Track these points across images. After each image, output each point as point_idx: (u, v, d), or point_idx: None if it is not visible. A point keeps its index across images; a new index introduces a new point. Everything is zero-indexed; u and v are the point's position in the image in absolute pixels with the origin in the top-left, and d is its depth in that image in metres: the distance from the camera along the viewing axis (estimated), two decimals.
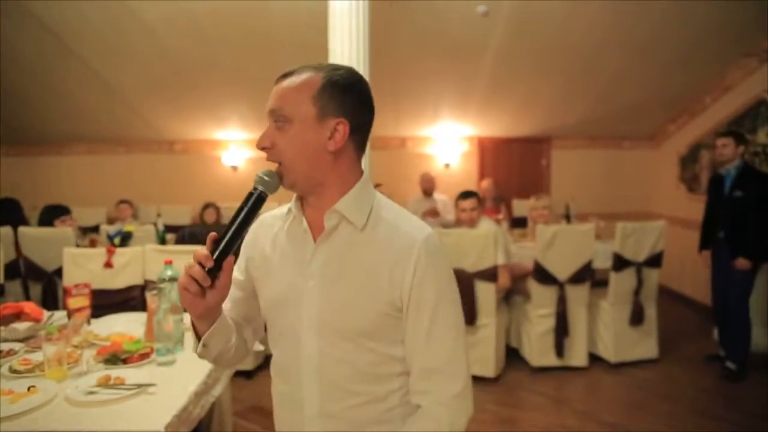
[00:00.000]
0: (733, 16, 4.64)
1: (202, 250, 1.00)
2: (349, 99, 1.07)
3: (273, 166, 1.08)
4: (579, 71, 5.71)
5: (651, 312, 4.32)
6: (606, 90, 6.03)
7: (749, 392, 3.76)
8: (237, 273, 1.22)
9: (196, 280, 0.99)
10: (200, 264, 0.99)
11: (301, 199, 1.14)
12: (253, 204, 1.05)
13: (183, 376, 1.86)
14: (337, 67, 1.10)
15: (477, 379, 3.94)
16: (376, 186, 4.90)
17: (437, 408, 1.08)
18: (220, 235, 1.01)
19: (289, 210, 1.16)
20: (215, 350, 1.15)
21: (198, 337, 1.14)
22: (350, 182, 1.11)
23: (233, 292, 1.21)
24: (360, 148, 1.12)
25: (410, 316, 1.07)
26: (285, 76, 1.08)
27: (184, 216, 6.85)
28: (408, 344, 1.09)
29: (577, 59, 5.47)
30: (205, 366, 1.95)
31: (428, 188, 6.25)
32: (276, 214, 1.23)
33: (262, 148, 1.08)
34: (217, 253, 1.00)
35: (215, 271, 1.00)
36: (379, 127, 5.02)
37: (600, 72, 5.70)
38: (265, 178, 1.05)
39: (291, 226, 1.16)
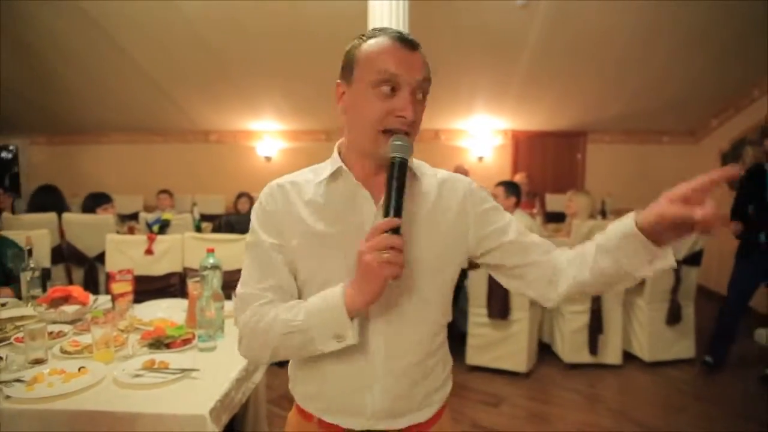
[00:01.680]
0: None
1: (392, 237, 0.94)
2: None
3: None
4: (618, 65, 5.59)
5: (688, 311, 4.22)
6: (645, 84, 5.89)
7: None
8: (276, 239, 1.10)
9: (400, 264, 0.94)
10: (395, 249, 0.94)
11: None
12: (400, 171, 1.01)
13: (224, 362, 1.90)
14: None
15: (508, 374, 3.93)
16: None
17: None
18: (391, 213, 0.98)
19: (333, 174, 1.11)
20: None
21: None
22: None
23: (277, 256, 1.09)
24: None
25: (493, 231, 1.16)
26: (415, 45, 1.06)
27: (218, 205, 6.97)
28: (511, 248, 1.15)
29: (616, 52, 5.35)
30: None
31: None
32: (296, 180, 1.15)
33: (410, 122, 1.03)
34: (394, 214, 0.98)
35: (398, 229, 0.97)
36: None
37: (640, 66, 5.57)
38: (401, 143, 1.02)
39: (339, 192, 1.11)
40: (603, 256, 1.02)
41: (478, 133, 7.12)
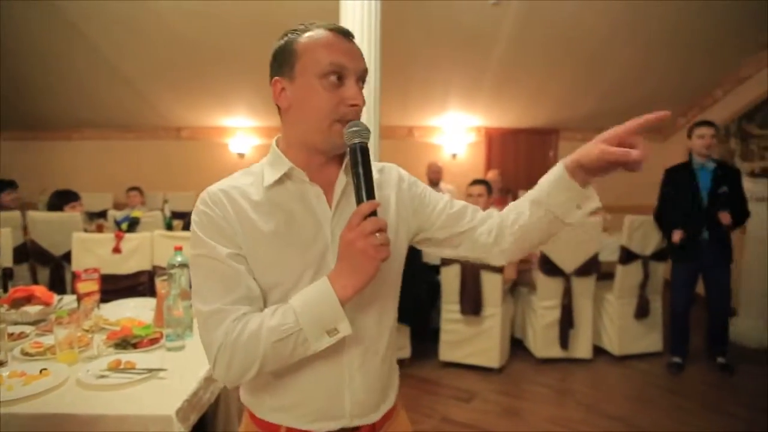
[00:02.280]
0: (747, 9, 4.58)
1: (375, 218, 0.94)
2: None
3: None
4: (589, 63, 5.67)
5: (656, 306, 4.32)
6: (616, 82, 5.98)
7: (753, 386, 3.76)
8: (233, 248, 1.03)
9: (388, 245, 0.95)
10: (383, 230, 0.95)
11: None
12: (364, 155, 1.00)
13: (192, 361, 1.87)
14: None
15: (481, 370, 3.96)
16: None
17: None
18: (370, 202, 0.97)
19: (282, 177, 1.08)
20: None
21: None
22: None
23: (238, 266, 1.02)
24: None
25: (431, 208, 1.21)
26: (351, 35, 1.08)
27: (190, 203, 6.85)
28: (449, 220, 1.21)
29: (587, 51, 5.42)
30: None
31: (435, 178, 6.24)
32: (238, 183, 1.09)
33: (360, 106, 1.05)
34: (368, 198, 0.98)
35: (376, 212, 0.98)
36: (387, 116, 5.01)
37: (610, 64, 5.65)
38: (357, 128, 1.01)
39: (289, 192, 1.09)
40: (536, 208, 1.09)
41: (452, 130, 7.15)
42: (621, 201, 6.58)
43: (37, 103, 6.69)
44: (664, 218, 4.09)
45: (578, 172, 1.03)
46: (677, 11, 4.70)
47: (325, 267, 1.05)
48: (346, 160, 1.09)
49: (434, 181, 6.24)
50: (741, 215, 3.86)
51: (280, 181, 1.08)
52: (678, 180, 4.04)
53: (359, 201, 0.97)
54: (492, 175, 6.22)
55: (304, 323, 0.96)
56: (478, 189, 4.20)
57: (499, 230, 1.18)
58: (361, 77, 1.06)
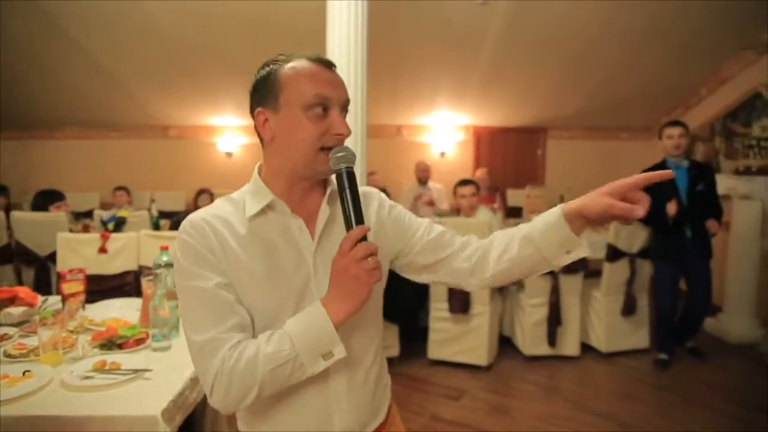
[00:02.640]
0: (731, 9, 4.63)
1: (370, 244, 0.96)
2: None
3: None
4: (576, 62, 5.70)
5: (643, 303, 4.35)
6: (602, 81, 6.02)
7: (738, 383, 3.80)
8: (221, 277, 1.03)
9: (380, 269, 0.97)
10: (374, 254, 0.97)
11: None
12: (350, 180, 1.02)
13: (178, 361, 1.86)
14: None
15: (470, 368, 3.97)
16: (370, 174, 4.94)
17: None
18: (360, 227, 0.98)
19: (264, 208, 1.07)
20: None
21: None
22: None
23: (229, 296, 1.03)
24: None
25: (410, 234, 1.22)
26: (333, 65, 1.09)
27: (178, 202, 6.83)
28: (428, 247, 1.21)
29: (574, 50, 5.46)
30: None
31: (423, 177, 6.25)
32: (219, 213, 1.08)
33: (340, 135, 1.06)
34: (358, 223, 1.00)
35: (366, 238, 0.99)
36: (375, 116, 5.01)
37: (597, 63, 5.69)
38: (342, 154, 1.02)
39: (271, 224, 1.08)
40: (526, 244, 1.11)
41: (440, 129, 7.16)
42: None
43: (19, 102, 6.61)
44: (647, 214, 4.08)
45: (576, 219, 1.05)
46: (661, 12, 4.75)
47: (308, 296, 1.07)
48: (330, 190, 1.12)
49: (422, 180, 6.26)
50: (715, 213, 3.93)
51: (262, 212, 1.08)
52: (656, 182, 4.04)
53: (349, 226, 0.99)
54: (480, 174, 6.24)
55: (300, 349, 0.97)
56: (469, 189, 4.21)
57: (480, 258, 1.18)
58: (344, 107, 1.08)
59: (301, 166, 1.06)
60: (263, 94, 1.08)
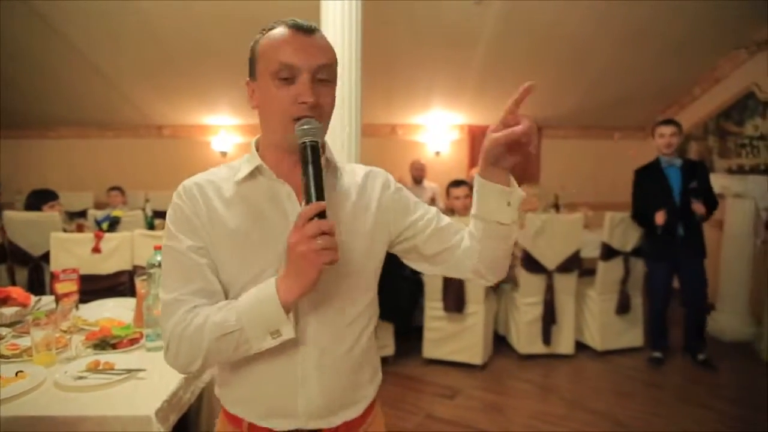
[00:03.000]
0: (725, 8, 4.65)
1: (323, 221, 0.92)
2: None
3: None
4: (571, 61, 5.71)
5: (637, 301, 4.37)
6: (597, 81, 6.04)
7: (730, 380, 3.83)
8: (196, 241, 1.05)
9: (335, 249, 0.93)
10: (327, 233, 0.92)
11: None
12: (314, 154, 0.99)
13: None
14: None
15: (464, 366, 3.98)
16: None
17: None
18: (315, 204, 0.95)
19: (252, 173, 1.08)
20: None
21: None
22: None
23: (200, 259, 1.05)
24: None
25: (415, 219, 1.19)
26: (312, 30, 1.05)
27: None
28: (436, 235, 1.19)
29: (569, 49, 5.47)
30: None
31: (418, 176, 6.26)
32: (212, 178, 1.11)
33: (312, 106, 1.01)
34: (316, 199, 0.96)
35: (323, 215, 0.95)
36: (370, 114, 5.00)
37: (591, 63, 5.71)
38: (308, 127, 0.99)
39: (260, 190, 1.09)
40: (478, 222, 1.12)
41: (435, 128, 7.16)
42: (603, 198, 6.67)
43: (12, 102, 6.57)
44: (640, 215, 4.12)
45: (491, 172, 1.05)
46: (654, 12, 4.76)
47: None
48: (323, 160, 1.09)
49: (418, 179, 6.26)
50: (711, 205, 3.93)
51: (251, 176, 1.09)
52: (648, 179, 4.10)
53: (308, 201, 0.96)
54: (474, 173, 6.24)
55: (246, 323, 0.98)
56: (462, 191, 4.22)
57: (465, 252, 1.19)
58: (318, 73, 1.03)
59: (279, 137, 1.06)
60: (250, 64, 1.11)
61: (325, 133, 1.07)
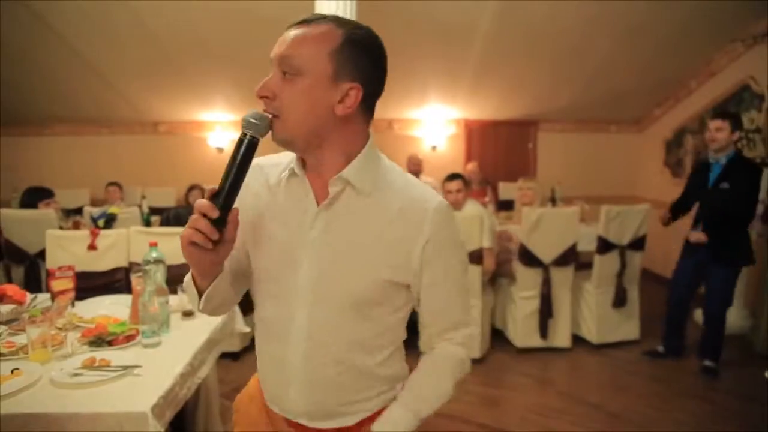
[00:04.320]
0: (719, 2, 4.64)
1: (204, 201, 0.94)
2: (368, 62, 1.02)
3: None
4: (567, 56, 5.70)
5: (633, 294, 4.38)
6: (593, 75, 6.03)
7: (729, 373, 3.83)
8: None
9: (203, 234, 0.93)
10: (205, 216, 0.94)
11: (302, 159, 1.09)
12: (246, 151, 0.97)
13: (169, 358, 1.86)
14: (358, 25, 1.03)
15: None
16: None
17: (456, 347, 1.18)
18: (220, 187, 0.96)
19: (292, 169, 1.09)
20: (216, 304, 1.14)
21: (199, 292, 1.10)
22: (356, 148, 1.06)
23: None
24: (369, 114, 1.08)
25: (427, 283, 1.09)
26: (301, 23, 1.01)
27: (168, 198, 6.80)
28: (426, 308, 1.15)
29: (565, 44, 5.46)
30: (191, 347, 1.96)
31: (415, 170, 6.25)
32: (274, 162, 1.15)
33: (262, 97, 1.00)
34: (221, 204, 0.95)
35: (221, 223, 0.95)
36: None
37: (588, 57, 5.70)
38: (253, 120, 0.97)
39: (291, 184, 1.10)
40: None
41: (432, 123, 7.16)
42: (599, 192, 6.69)
43: (7, 99, 6.54)
44: (673, 206, 4.04)
45: None
46: (650, 6, 4.75)
47: (299, 264, 1.07)
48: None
49: (414, 174, 6.25)
50: (737, 214, 3.65)
51: (292, 174, 1.10)
52: (696, 173, 3.99)
53: (213, 197, 0.96)
54: (471, 168, 6.25)
55: (186, 287, 1.13)
56: (455, 185, 4.21)
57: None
58: (281, 65, 0.99)
59: None
60: None
61: (291, 131, 1.00)
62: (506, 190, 6.58)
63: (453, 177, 4.31)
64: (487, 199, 5.55)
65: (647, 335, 4.39)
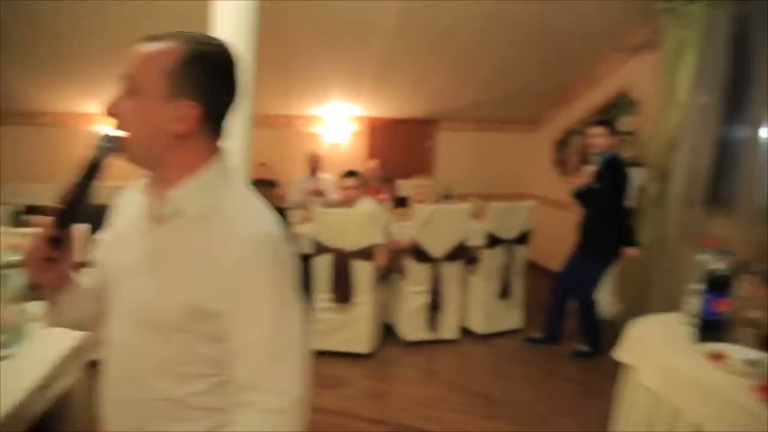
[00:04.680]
0: (605, 13, 4.99)
1: (44, 218, 1.00)
2: (210, 80, 1.01)
3: None
4: (467, 57, 5.90)
5: (518, 286, 4.64)
6: (492, 76, 6.29)
7: (603, 356, 4.14)
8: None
9: (41, 250, 1.00)
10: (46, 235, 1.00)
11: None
12: (88, 171, 1.00)
13: (23, 371, 1.77)
14: (207, 41, 1.03)
15: (350, 356, 4.04)
16: (260, 165, 4.80)
17: (256, 418, 1.02)
18: (60, 206, 0.99)
19: (142, 188, 1.11)
20: (71, 318, 1.16)
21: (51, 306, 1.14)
22: (194, 168, 1.04)
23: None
24: (215, 132, 1.06)
25: (233, 323, 1.01)
26: (147, 39, 1.00)
27: (50, 195, 6.37)
28: (232, 352, 1.04)
29: (465, 45, 5.65)
30: (50, 359, 1.88)
31: (314, 167, 6.26)
32: (141, 182, 1.15)
33: (110, 115, 1.01)
34: (59, 223, 0.99)
35: (60, 239, 1.00)
36: (266, 105, 4.95)
37: (486, 59, 5.94)
38: (102, 143, 1.01)
39: (140, 203, 1.10)
40: None
41: (334, 120, 7.17)
42: (493, 189, 7.00)
43: None
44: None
45: None
46: (541, 14, 5.04)
47: (123, 281, 1.10)
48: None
49: (313, 171, 6.27)
50: (603, 213, 4.01)
51: (142, 192, 1.12)
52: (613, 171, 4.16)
53: (57, 213, 1.00)
54: (371, 165, 6.33)
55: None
56: (351, 182, 4.31)
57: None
58: (124, 82, 1.01)
59: None
60: None
61: (131, 149, 1.02)
62: (403, 187, 6.72)
63: (349, 174, 4.40)
64: (383, 196, 5.65)
65: (530, 324, 4.66)
